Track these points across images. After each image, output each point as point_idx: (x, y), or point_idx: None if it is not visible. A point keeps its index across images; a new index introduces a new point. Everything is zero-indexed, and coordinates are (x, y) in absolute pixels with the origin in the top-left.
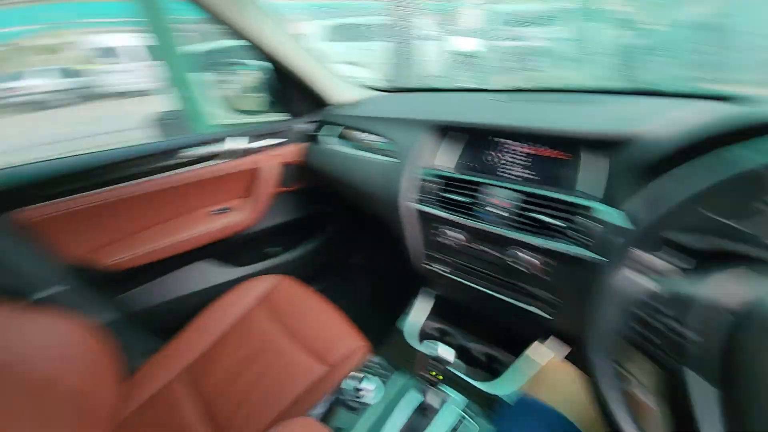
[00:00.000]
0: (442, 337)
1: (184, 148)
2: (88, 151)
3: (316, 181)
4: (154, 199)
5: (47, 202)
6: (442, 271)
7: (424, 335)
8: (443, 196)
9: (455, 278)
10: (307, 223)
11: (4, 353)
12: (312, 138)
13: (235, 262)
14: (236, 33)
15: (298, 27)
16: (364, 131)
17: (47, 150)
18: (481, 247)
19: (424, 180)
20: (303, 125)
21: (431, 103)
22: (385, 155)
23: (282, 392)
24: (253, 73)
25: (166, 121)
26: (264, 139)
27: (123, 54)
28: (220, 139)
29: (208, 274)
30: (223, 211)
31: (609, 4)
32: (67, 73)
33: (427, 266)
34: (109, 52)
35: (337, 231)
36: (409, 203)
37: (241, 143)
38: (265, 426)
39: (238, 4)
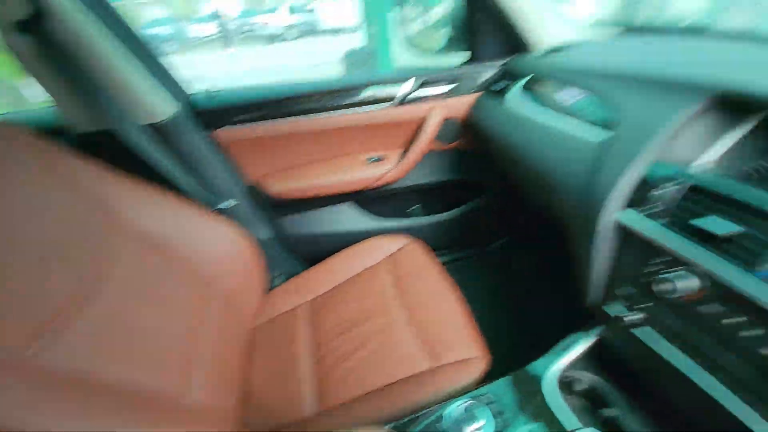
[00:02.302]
0: (594, 403)
1: (359, 88)
2: (278, 83)
3: (477, 144)
4: (325, 136)
5: (242, 126)
6: (633, 323)
7: (567, 387)
8: (691, 222)
9: (655, 349)
10: (453, 190)
11: (187, 249)
12: (488, 89)
13: (374, 212)
14: None
15: None
16: (566, 85)
17: (265, 77)
18: (734, 318)
19: (663, 183)
20: (482, 71)
21: (693, 52)
22: (598, 126)
23: (382, 369)
24: (447, 4)
25: (355, 59)
26: (436, 85)
27: None
28: (393, 81)
29: (350, 219)
30: (378, 160)
31: None
32: (298, 9)
33: (607, 310)
34: None
35: (483, 208)
36: (621, 216)
37: (410, 88)
38: (355, 396)
39: None
